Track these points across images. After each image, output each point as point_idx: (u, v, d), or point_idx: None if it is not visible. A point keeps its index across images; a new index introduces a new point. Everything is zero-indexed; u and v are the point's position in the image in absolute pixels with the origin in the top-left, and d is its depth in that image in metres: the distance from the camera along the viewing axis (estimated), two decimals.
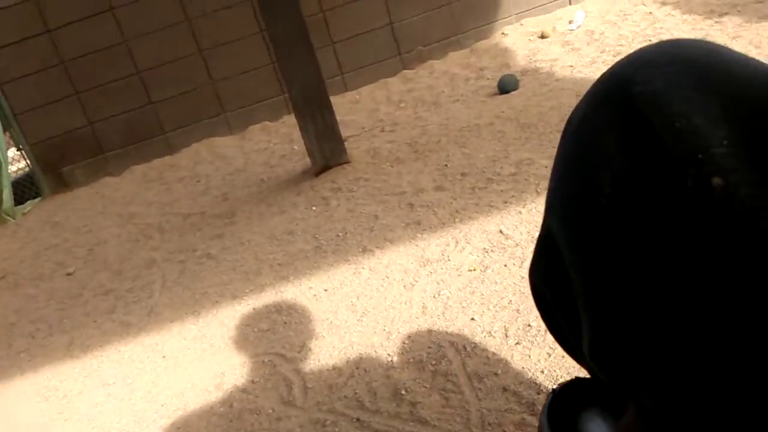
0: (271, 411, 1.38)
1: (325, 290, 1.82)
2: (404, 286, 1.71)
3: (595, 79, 0.45)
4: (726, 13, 2.89)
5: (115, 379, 1.70)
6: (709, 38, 2.69)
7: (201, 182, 3.20)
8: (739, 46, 2.51)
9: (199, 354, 1.69)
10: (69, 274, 2.52)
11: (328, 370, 1.46)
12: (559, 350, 1.29)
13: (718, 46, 0.42)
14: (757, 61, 0.40)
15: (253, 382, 1.50)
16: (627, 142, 0.38)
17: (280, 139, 3.46)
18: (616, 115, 0.39)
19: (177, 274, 2.24)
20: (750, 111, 0.36)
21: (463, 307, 1.54)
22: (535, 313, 1.42)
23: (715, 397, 0.34)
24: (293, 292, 1.86)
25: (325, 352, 1.53)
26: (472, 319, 1.49)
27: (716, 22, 2.84)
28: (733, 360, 0.33)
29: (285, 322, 1.71)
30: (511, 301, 1.51)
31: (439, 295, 1.62)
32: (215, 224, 2.58)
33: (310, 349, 1.56)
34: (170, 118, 3.67)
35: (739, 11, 2.86)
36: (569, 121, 0.46)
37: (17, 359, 1.95)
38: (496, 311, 1.49)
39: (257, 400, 1.43)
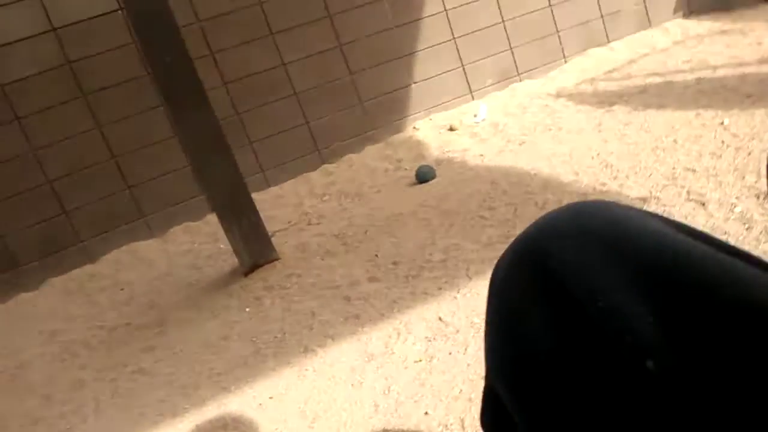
0: None
1: (270, 398, 1.79)
2: (352, 384, 1.72)
3: (509, 244, 0.49)
4: (615, 103, 3.21)
5: None
6: (602, 125, 2.98)
7: (125, 290, 3.09)
8: (631, 131, 2.78)
9: None
10: None
11: None
12: None
13: (618, 209, 0.45)
14: (654, 221, 0.43)
15: None
16: (555, 316, 0.41)
17: (204, 239, 3.42)
18: (537, 287, 0.42)
19: (110, 394, 2.13)
20: (664, 284, 0.38)
21: (415, 401, 1.57)
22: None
23: None
24: (237, 402, 1.81)
25: None
26: (426, 413, 1.51)
27: (607, 110, 3.15)
28: None
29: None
30: (461, 390, 1.55)
31: (389, 391, 1.64)
32: (144, 335, 2.49)
33: None
34: (87, 226, 3.56)
35: (626, 101, 3.19)
36: (492, 282, 0.50)
37: None
38: (449, 402, 1.52)
39: None
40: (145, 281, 3.10)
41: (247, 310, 2.40)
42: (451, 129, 3.67)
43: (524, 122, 3.45)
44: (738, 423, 0.34)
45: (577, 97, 3.51)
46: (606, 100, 3.31)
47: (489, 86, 4.08)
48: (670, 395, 0.35)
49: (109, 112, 3.55)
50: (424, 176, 3.05)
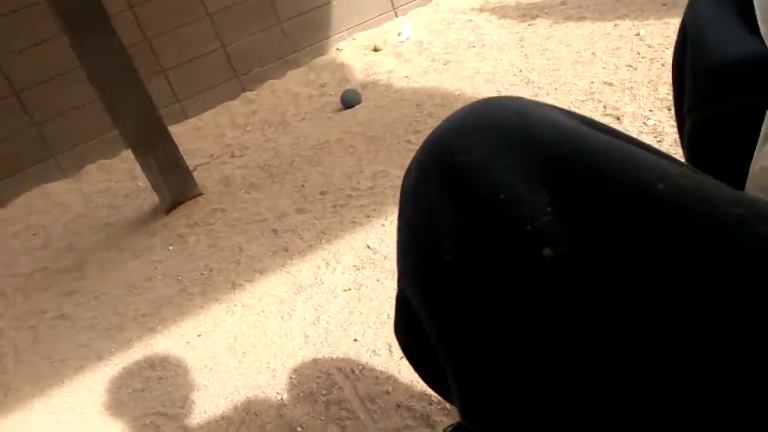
0: None
1: (199, 335, 1.76)
2: (282, 317, 1.71)
3: (424, 141, 0.48)
4: (537, 16, 3.17)
5: None
6: (524, 41, 2.95)
7: (38, 235, 2.93)
8: (552, 45, 2.77)
9: (71, 428, 1.57)
10: None
11: (216, 420, 1.42)
12: None
13: (525, 104, 0.45)
14: (559, 113, 0.44)
15: None
16: (461, 213, 0.41)
17: (121, 177, 3.26)
18: (445, 186, 0.42)
19: (29, 343, 2.04)
20: (563, 174, 0.39)
21: (344, 329, 1.57)
22: None
23: None
24: (164, 343, 1.78)
25: (210, 402, 1.48)
26: (355, 340, 1.52)
27: (529, 24, 3.12)
28: (578, 410, 0.37)
29: (160, 378, 1.63)
30: (389, 315, 1.56)
31: (318, 321, 1.64)
32: (63, 280, 2.38)
33: (193, 402, 1.51)
34: None
35: (546, 13, 3.15)
36: (403, 186, 0.49)
37: None
38: (377, 328, 1.53)
39: None
40: (60, 224, 2.95)
41: (171, 248, 2.33)
42: (376, 49, 3.57)
43: (448, 39, 3.38)
44: (630, 308, 0.35)
45: (500, 11, 3.46)
46: (528, 13, 3.27)
47: (412, 2, 3.96)
48: (566, 282, 0.36)
49: (7, 43, 3.25)
50: (348, 101, 2.97)
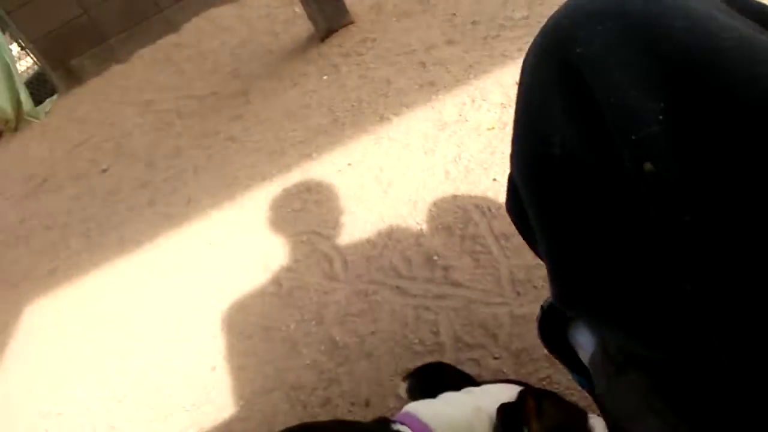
0: (318, 286, 1.52)
1: (349, 164, 1.88)
2: (425, 152, 1.76)
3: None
4: None
5: (172, 270, 1.85)
6: None
7: (209, 60, 3.17)
8: None
9: (242, 238, 1.82)
10: (104, 171, 2.62)
11: (362, 243, 1.57)
12: None
13: None
14: (697, 10, 0.39)
15: (296, 260, 1.63)
16: (572, 108, 0.40)
17: (279, 3, 3.33)
18: (561, 78, 0.41)
19: (205, 161, 2.31)
20: (688, 79, 0.36)
21: (484, 168, 1.60)
22: None
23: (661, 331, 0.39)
24: (318, 169, 1.93)
25: (358, 227, 1.63)
26: (494, 179, 1.55)
27: None
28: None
29: (315, 201, 1.80)
30: None
31: (460, 158, 1.68)
32: (232, 105, 2.60)
33: (343, 225, 1.67)
34: None
35: None
36: (523, 66, 0.47)
37: (79, 259, 2.11)
38: None
39: (303, 277, 1.57)
40: (227, 50, 3.14)
41: (325, 77, 2.42)
42: None
43: None
44: (721, 235, 0.34)
45: None
46: None
47: None
48: (661, 200, 0.35)
49: None
50: None
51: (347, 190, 1.79)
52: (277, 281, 1.60)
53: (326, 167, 1.92)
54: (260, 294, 1.59)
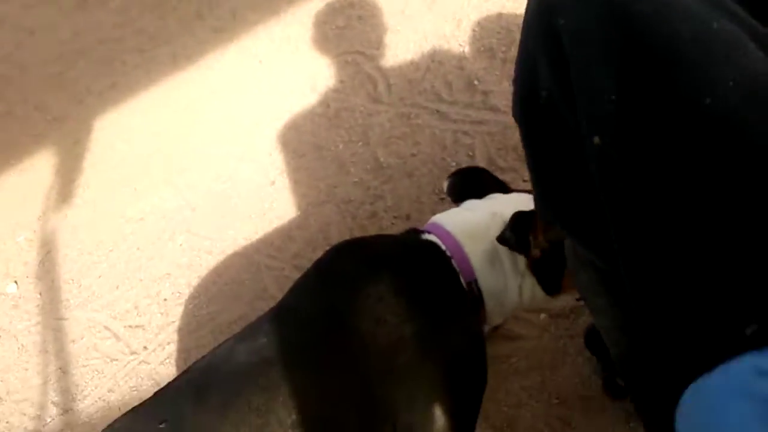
0: (362, 108, 1.60)
1: None
2: None
3: None
4: None
5: (225, 88, 1.94)
6: None
7: None
8: None
9: (289, 56, 1.87)
10: None
11: (406, 65, 1.62)
12: None
13: None
14: None
15: (341, 81, 1.69)
16: (554, 68, 0.46)
17: None
18: (545, 39, 0.46)
19: None
20: (641, 65, 0.40)
21: None
22: None
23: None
24: None
25: (402, 47, 1.66)
26: None
27: None
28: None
29: (359, 17, 1.80)
30: None
31: None
32: None
33: (386, 45, 1.69)
34: None
35: None
36: (523, 21, 0.51)
37: (136, 75, 2.21)
38: None
39: (348, 98, 1.65)
40: None
41: None
42: None
43: None
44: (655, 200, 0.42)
45: None
46: None
47: None
48: (604, 167, 0.43)
49: None
50: None
51: (392, 4, 1.78)
52: (324, 102, 1.69)
53: None
54: (309, 114, 1.69)
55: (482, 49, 1.51)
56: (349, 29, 1.80)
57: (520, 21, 1.46)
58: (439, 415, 0.85)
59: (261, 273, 1.48)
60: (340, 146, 1.58)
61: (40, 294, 1.72)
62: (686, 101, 0.39)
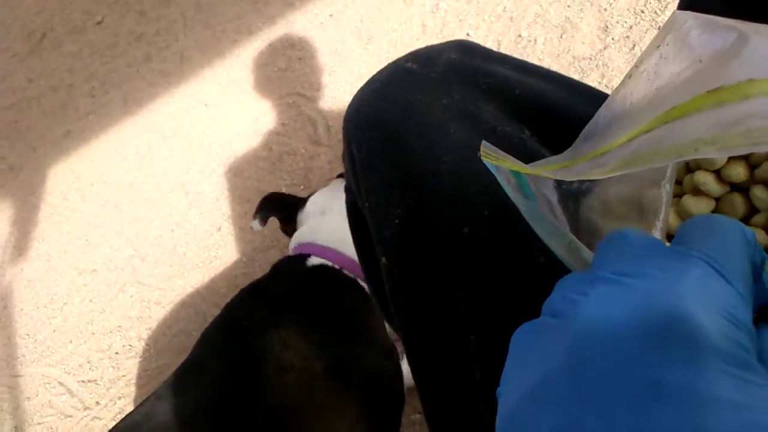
0: (304, 151, 1.63)
1: (330, 15, 1.87)
2: (404, 1, 1.74)
3: None
4: None
5: (173, 132, 1.96)
6: None
7: None
8: None
9: (234, 99, 1.89)
10: (99, 23, 2.62)
11: (344, 105, 1.64)
12: (547, 62, 1.39)
13: (413, 102, 0.46)
14: (435, 126, 0.44)
15: (283, 124, 1.72)
16: (353, 201, 0.50)
17: None
18: (350, 163, 0.51)
19: (194, 10, 2.29)
20: (415, 192, 0.43)
21: (459, 20, 1.60)
22: (527, 20, 1.51)
23: None
24: (301, 21, 1.92)
25: (339, 88, 1.69)
26: (468, 34, 1.56)
27: None
28: None
29: (300, 58, 1.83)
30: (505, 7, 1.54)
31: (437, 8, 1.66)
32: None
33: (325, 86, 1.72)
34: None
35: None
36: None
37: (88, 122, 2.23)
38: (491, 22, 1.54)
39: (290, 141, 1.67)
40: None
41: None
42: None
43: None
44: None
45: None
46: None
47: None
48: (391, 285, 0.46)
49: None
50: None
51: (329, 45, 1.81)
52: (268, 145, 1.71)
53: (309, 19, 1.91)
54: (254, 158, 1.71)
55: None
56: (290, 71, 1.83)
57: None
58: None
59: (207, 323, 1.49)
60: (283, 189, 1.61)
61: None
62: (448, 230, 0.42)
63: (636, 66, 0.36)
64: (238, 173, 1.71)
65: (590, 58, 1.32)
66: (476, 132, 0.44)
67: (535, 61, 1.40)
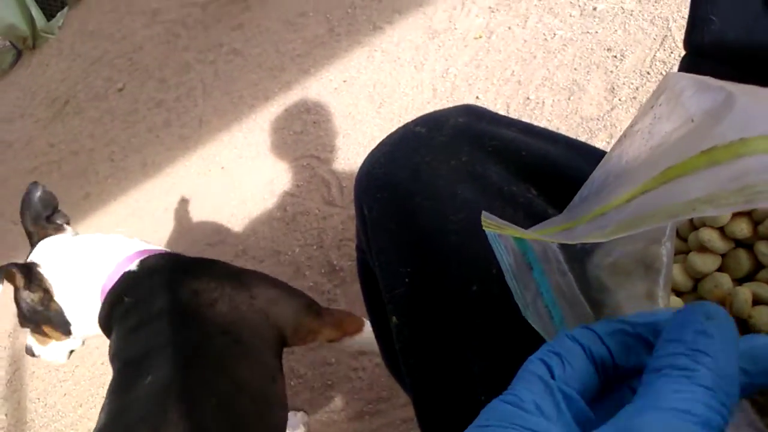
0: (317, 211, 1.65)
1: (344, 81, 1.93)
2: (415, 66, 1.79)
3: None
4: None
5: (190, 194, 2.00)
6: None
7: None
8: None
9: (250, 162, 1.93)
10: (120, 90, 2.72)
11: (357, 166, 1.67)
12: (555, 123, 1.41)
13: (421, 164, 0.48)
14: (443, 188, 0.46)
15: (298, 185, 1.75)
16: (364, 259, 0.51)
17: None
18: (361, 224, 0.53)
19: (212, 77, 2.38)
20: (423, 252, 0.44)
21: (469, 84, 1.64)
22: (535, 83, 1.53)
23: None
24: (316, 87, 1.98)
25: (352, 150, 1.72)
26: (477, 98, 1.59)
27: None
28: None
29: (314, 122, 1.88)
30: (513, 72, 1.59)
31: (447, 73, 1.71)
32: (232, 12, 2.60)
33: (339, 148, 1.76)
34: None
35: None
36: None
37: (107, 185, 2.28)
38: (500, 86, 1.58)
39: (305, 202, 1.69)
40: None
41: None
42: None
43: None
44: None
45: None
46: None
47: None
48: (401, 343, 0.46)
49: None
50: None
51: (343, 108, 1.85)
52: (282, 206, 1.73)
53: (323, 84, 1.97)
54: (268, 219, 1.73)
55: None
56: (305, 134, 1.87)
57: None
58: None
59: None
60: (297, 250, 1.62)
61: (6, 415, 1.71)
62: (458, 289, 0.42)
63: (631, 126, 0.37)
64: (253, 234, 1.73)
65: (598, 119, 1.34)
66: (483, 192, 0.45)
67: (544, 123, 1.43)
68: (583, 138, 1.32)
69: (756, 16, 0.43)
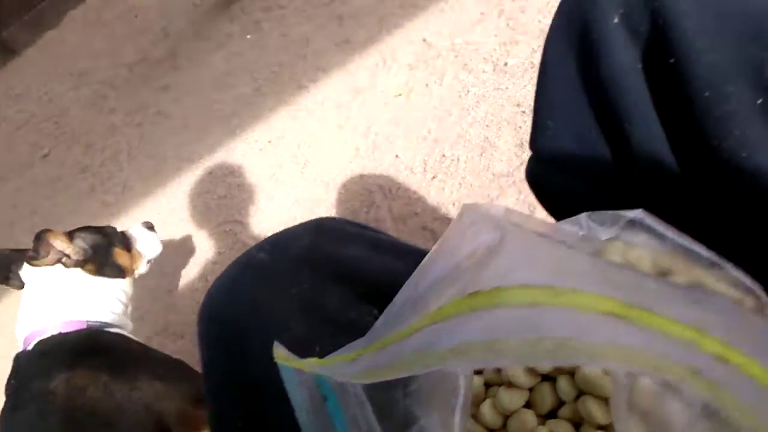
0: None
1: (269, 141, 1.90)
2: (338, 125, 1.78)
3: None
4: None
5: None
6: None
7: (138, 17, 3.07)
8: None
9: (174, 229, 1.87)
10: (45, 156, 2.63)
11: (279, 230, 1.62)
12: (468, 179, 1.40)
13: (260, 299, 0.48)
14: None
15: (220, 253, 1.69)
16: None
17: None
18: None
19: (138, 140, 2.32)
20: (253, 399, 0.43)
21: (390, 142, 1.62)
22: (450, 141, 1.52)
23: None
24: (242, 148, 1.94)
25: (276, 213, 1.68)
26: (397, 156, 1.58)
27: None
28: None
29: (238, 185, 1.84)
30: (430, 129, 1.58)
31: (369, 131, 1.69)
32: (160, 71, 2.56)
33: (263, 211, 1.71)
34: None
35: None
36: None
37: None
38: (418, 143, 1.57)
39: None
40: (155, 5, 3.04)
41: (248, 37, 2.37)
42: None
43: None
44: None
45: None
46: None
47: None
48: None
49: None
50: None
51: (268, 170, 1.82)
52: (204, 276, 1.67)
53: (249, 145, 1.94)
54: (189, 291, 1.66)
55: (348, 210, 1.54)
56: (228, 198, 1.83)
57: (380, 182, 1.50)
58: None
59: None
60: None
61: None
62: None
63: (429, 254, 0.35)
64: (173, 309, 1.66)
65: (508, 175, 1.33)
66: (319, 324, 0.44)
67: (458, 180, 1.42)
68: (493, 195, 1.31)
69: (590, 126, 0.40)
